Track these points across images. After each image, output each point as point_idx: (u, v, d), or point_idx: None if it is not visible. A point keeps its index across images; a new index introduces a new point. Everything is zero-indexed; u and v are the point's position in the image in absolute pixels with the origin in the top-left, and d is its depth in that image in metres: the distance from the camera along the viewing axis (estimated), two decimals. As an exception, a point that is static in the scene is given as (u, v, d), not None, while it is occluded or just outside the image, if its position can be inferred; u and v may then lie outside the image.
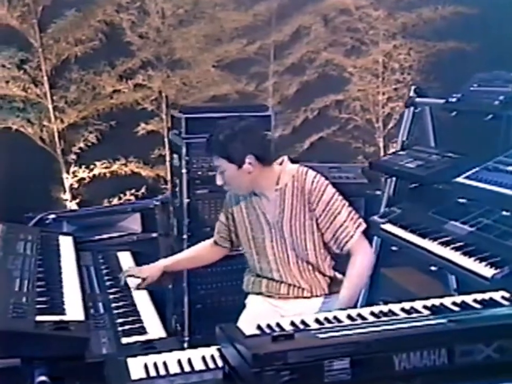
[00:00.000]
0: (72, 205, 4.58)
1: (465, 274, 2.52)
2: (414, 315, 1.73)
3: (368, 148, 5.18)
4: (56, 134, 4.51)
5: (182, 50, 4.74)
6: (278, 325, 1.71)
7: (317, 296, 2.60)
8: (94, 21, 4.48)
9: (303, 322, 1.73)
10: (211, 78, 4.86)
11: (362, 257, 2.52)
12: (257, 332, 1.66)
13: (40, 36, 4.40)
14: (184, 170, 3.58)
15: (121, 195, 4.66)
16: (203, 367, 1.77)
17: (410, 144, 3.44)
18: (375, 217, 3.09)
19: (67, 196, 4.59)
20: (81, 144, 4.60)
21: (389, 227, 2.99)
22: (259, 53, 4.98)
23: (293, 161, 2.65)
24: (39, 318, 1.87)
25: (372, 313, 1.78)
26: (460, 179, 2.70)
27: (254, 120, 2.61)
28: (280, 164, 2.61)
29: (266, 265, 2.62)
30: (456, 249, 2.62)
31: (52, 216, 2.99)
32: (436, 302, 1.84)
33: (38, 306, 1.95)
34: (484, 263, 2.48)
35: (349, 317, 1.76)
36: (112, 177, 4.67)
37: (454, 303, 1.84)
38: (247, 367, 1.49)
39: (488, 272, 2.42)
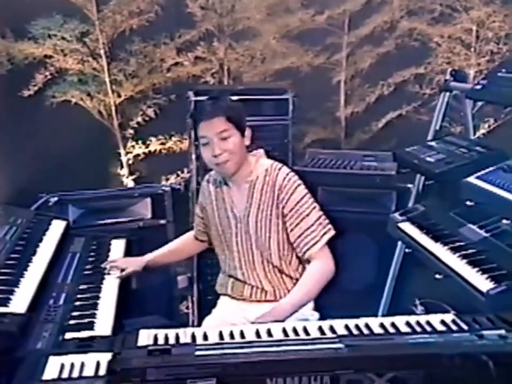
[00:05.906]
0: (128, 181, 4.82)
1: (464, 286, 2.42)
2: (319, 336, 1.74)
3: (454, 127, 4.95)
4: (113, 108, 4.75)
5: (245, 20, 4.77)
6: (176, 336, 1.78)
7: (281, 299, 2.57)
8: (148, -8, 4.64)
9: (204, 335, 1.79)
10: (278, 50, 4.87)
11: (323, 264, 2.50)
12: (151, 342, 1.75)
13: (98, 8, 4.63)
14: (193, 156, 3.61)
15: (179, 172, 4.83)
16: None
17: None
18: (396, 215, 2.98)
19: (124, 171, 4.83)
20: (139, 119, 4.79)
21: (405, 226, 2.87)
22: (332, 23, 4.90)
23: (269, 156, 2.66)
24: (-23, 308, 2.05)
25: (284, 331, 1.80)
26: (470, 179, 2.56)
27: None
28: (255, 156, 2.63)
29: (232, 261, 2.65)
30: (463, 256, 2.49)
31: (55, 198, 3.18)
32: (361, 322, 1.83)
33: (-16, 295, 2.14)
34: (485, 276, 2.33)
35: (257, 333, 1.80)
36: (169, 153, 4.83)
37: (381, 325, 1.81)
38: (107, 381, 1.59)
39: (484, 286, 2.29)
